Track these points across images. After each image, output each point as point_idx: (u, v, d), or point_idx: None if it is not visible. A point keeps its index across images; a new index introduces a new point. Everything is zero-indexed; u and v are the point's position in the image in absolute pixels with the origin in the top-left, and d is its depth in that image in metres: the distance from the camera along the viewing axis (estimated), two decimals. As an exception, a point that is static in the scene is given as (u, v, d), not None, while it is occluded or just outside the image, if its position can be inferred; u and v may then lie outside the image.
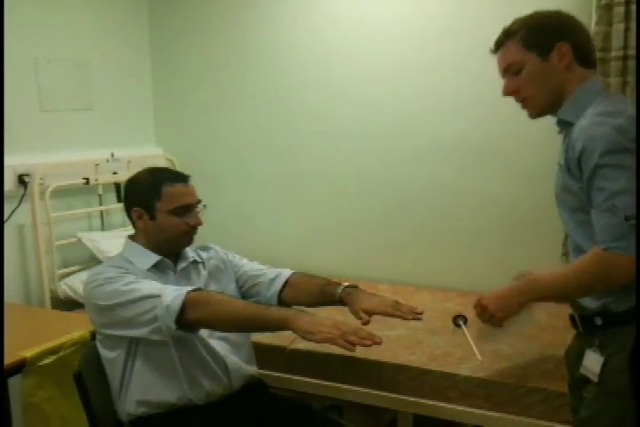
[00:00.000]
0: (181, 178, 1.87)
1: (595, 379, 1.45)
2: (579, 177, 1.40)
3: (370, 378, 2.17)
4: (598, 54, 2.54)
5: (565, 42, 1.48)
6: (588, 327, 1.52)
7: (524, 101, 1.56)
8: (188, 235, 1.86)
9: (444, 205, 3.08)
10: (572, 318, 1.60)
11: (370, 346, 1.47)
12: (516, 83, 1.54)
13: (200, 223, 1.86)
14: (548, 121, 2.77)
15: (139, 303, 1.64)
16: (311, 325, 1.50)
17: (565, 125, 1.52)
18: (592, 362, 1.46)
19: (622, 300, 1.41)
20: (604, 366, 1.42)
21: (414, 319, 1.69)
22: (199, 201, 1.89)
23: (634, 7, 2.43)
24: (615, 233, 1.32)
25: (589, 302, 1.49)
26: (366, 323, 1.64)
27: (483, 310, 1.59)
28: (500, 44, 1.57)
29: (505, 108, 2.84)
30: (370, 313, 1.68)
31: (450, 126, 3.01)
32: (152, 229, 1.83)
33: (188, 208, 1.83)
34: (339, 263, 3.29)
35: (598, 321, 1.46)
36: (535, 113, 1.57)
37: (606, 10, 2.50)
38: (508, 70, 1.55)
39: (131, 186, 1.90)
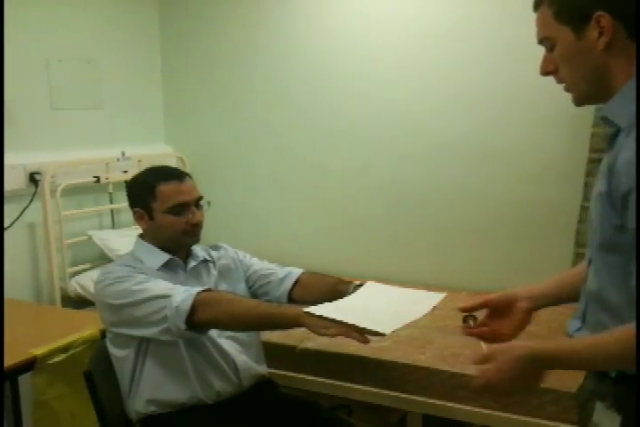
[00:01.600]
0: (176, 176, 1.84)
1: None
2: (622, 213, 1.08)
3: (379, 378, 2.16)
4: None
5: (605, 12, 1.10)
6: (599, 374, 1.22)
7: (564, 84, 1.23)
8: (188, 233, 1.83)
9: (453, 204, 3.07)
10: None
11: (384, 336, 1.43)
12: (553, 61, 1.21)
13: (199, 221, 1.83)
14: (553, 120, 2.79)
15: (149, 303, 1.64)
16: (323, 318, 1.49)
17: (613, 127, 1.17)
18: (604, 420, 1.18)
19: None
20: (621, 426, 1.15)
21: None
22: (200, 198, 1.86)
23: None
24: None
25: None
26: None
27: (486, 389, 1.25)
28: (537, 5, 1.22)
29: (510, 107, 2.89)
30: None
31: (455, 125, 3.00)
32: (153, 228, 1.83)
33: (184, 206, 1.80)
34: (348, 262, 3.29)
35: (612, 373, 1.17)
36: (577, 101, 1.25)
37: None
38: (542, 44, 1.23)
39: (129, 187, 1.90)
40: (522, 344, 1.21)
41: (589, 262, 1.23)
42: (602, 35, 1.11)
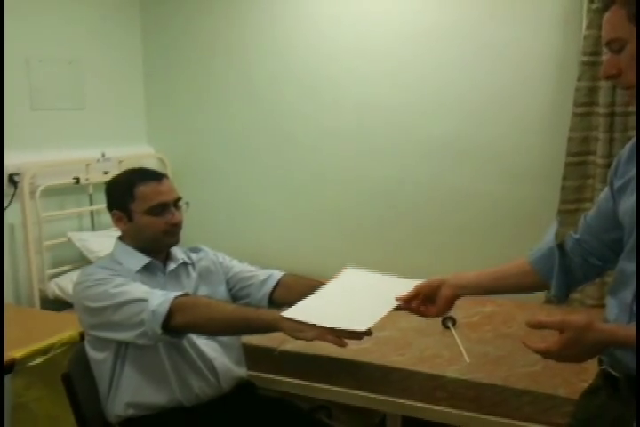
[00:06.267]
0: (154, 176, 1.84)
1: None
2: None
3: (358, 379, 2.17)
4: (588, 58, 2.56)
5: None
6: (628, 397, 1.17)
7: (626, 89, 1.18)
8: (168, 234, 1.82)
9: (432, 202, 3.10)
10: (606, 374, 1.24)
11: (360, 339, 1.44)
12: (618, 63, 1.15)
13: (179, 221, 1.83)
14: (533, 122, 2.82)
15: (126, 307, 1.64)
16: (300, 323, 1.49)
17: None
18: None
19: None
20: None
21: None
22: (179, 198, 1.86)
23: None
24: None
25: None
26: None
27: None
28: (606, 6, 1.17)
29: (491, 107, 2.92)
30: None
31: (437, 124, 3.03)
32: (132, 230, 1.83)
33: (163, 206, 1.80)
34: (329, 264, 3.28)
35: None
36: None
37: (597, 14, 2.51)
38: (610, 46, 1.16)
39: (108, 189, 1.89)
40: (597, 328, 1.14)
41: None
42: None
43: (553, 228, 1.46)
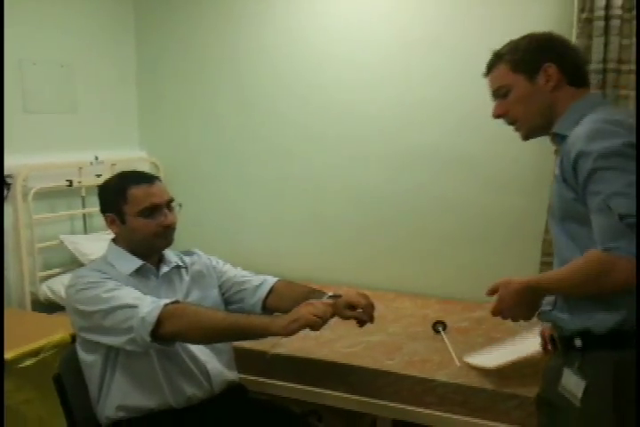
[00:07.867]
0: (146, 179, 1.84)
1: (576, 402, 1.42)
2: (574, 186, 1.37)
3: (349, 383, 2.18)
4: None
5: (552, 63, 1.49)
6: (567, 349, 1.49)
7: (514, 123, 1.57)
8: (161, 236, 1.82)
9: (421, 211, 3.12)
10: (552, 338, 1.59)
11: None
12: (505, 105, 1.56)
13: (171, 222, 1.83)
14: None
15: (116, 312, 1.64)
16: (289, 316, 1.55)
17: (560, 139, 1.49)
18: (572, 384, 1.44)
19: (603, 321, 1.38)
20: (585, 390, 1.40)
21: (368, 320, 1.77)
22: (171, 200, 1.86)
23: (613, 22, 2.49)
24: (612, 233, 1.27)
25: (569, 323, 1.46)
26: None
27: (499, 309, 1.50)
28: (490, 67, 1.59)
29: (478, 116, 2.94)
30: (355, 305, 1.75)
31: (425, 132, 3.05)
32: (125, 232, 1.83)
33: (156, 208, 1.80)
34: (320, 269, 3.31)
35: (578, 343, 1.44)
36: (525, 134, 1.58)
37: (587, 24, 2.55)
38: (498, 93, 1.57)
39: (101, 192, 1.89)
40: (518, 280, 1.45)
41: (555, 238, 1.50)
42: (549, 80, 1.50)
43: None
